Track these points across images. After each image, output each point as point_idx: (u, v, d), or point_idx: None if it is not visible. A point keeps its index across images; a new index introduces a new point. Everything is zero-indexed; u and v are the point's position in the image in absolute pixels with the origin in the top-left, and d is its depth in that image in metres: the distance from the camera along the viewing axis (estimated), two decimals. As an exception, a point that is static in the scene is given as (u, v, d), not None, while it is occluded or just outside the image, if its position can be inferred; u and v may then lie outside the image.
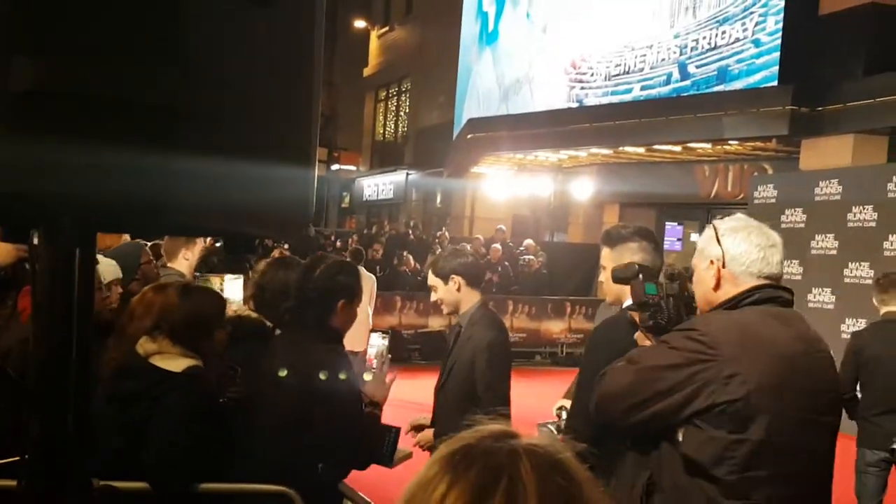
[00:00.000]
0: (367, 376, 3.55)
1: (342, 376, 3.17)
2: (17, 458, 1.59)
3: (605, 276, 3.26)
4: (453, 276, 4.04)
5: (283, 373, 3.15)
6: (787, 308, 2.56)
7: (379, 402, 3.58)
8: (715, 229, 2.64)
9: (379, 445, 3.50)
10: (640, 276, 2.77)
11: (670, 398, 2.39)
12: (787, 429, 2.38)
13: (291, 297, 3.42)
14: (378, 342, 3.89)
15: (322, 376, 3.10)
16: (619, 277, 2.88)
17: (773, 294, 2.53)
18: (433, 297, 4.18)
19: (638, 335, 2.82)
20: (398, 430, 3.80)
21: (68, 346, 1.09)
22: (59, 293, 1.08)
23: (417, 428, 4.25)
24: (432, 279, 4.13)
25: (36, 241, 1.69)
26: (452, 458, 0.99)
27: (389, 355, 3.84)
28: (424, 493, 0.97)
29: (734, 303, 2.51)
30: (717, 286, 2.57)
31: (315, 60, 1.23)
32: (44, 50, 0.96)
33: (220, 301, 3.38)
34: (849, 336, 9.97)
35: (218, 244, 6.00)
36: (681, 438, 2.44)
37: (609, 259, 3.28)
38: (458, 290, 4.04)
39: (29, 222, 1.05)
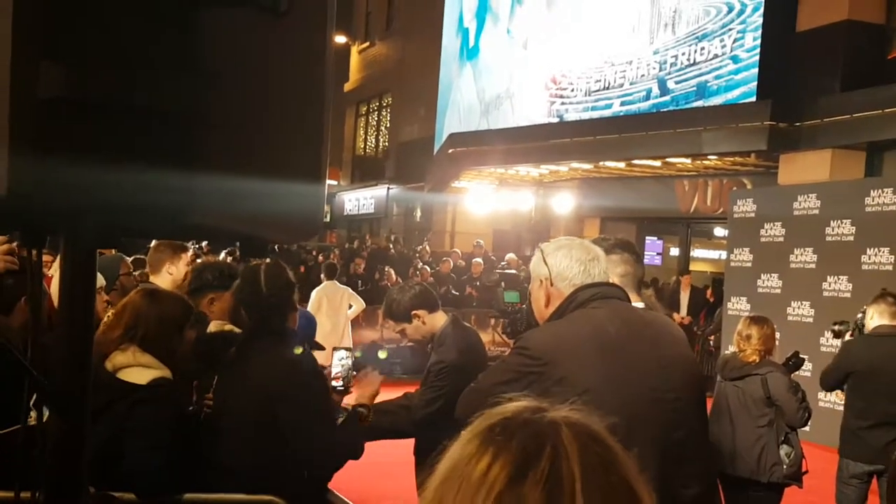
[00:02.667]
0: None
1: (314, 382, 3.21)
2: (15, 427, 1.58)
3: None
4: (414, 312, 4.01)
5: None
6: (613, 301, 2.72)
7: (367, 404, 3.61)
8: (541, 251, 2.84)
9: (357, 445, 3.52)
10: (503, 283, 3.02)
11: None
12: (628, 411, 2.50)
13: (251, 309, 3.44)
14: (342, 360, 3.87)
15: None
16: (485, 285, 3.11)
17: (592, 293, 2.70)
18: (405, 341, 4.17)
19: None
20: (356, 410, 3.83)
21: (89, 347, 1.11)
22: (81, 295, 1.10)
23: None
24: (396, 325, 4.08)
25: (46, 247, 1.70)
26: (492, 430, 1.00)
27: (354, 372, 3.83)
28: (465, 467, 0.97)
29: (560, 312, 2.71)
30: (547, 302, 2.77)
31: (327, 74, 1.26)
32: (71, 57, 0.98)
33: (188, 305, 3.41)
34: (827, 349, 10.13)
35: (205, 257, 5.99)
36: None
37: None
38: (424, 322, 4.01)
39: (55, 224, 1.07)
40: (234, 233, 1.19)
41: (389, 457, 3.98)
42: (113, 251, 5.57)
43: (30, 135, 0.95)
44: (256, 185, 1.12)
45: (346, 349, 3.95)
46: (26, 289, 3.06)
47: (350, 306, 12.46)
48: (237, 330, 3.76)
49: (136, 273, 5.23)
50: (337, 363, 3.83)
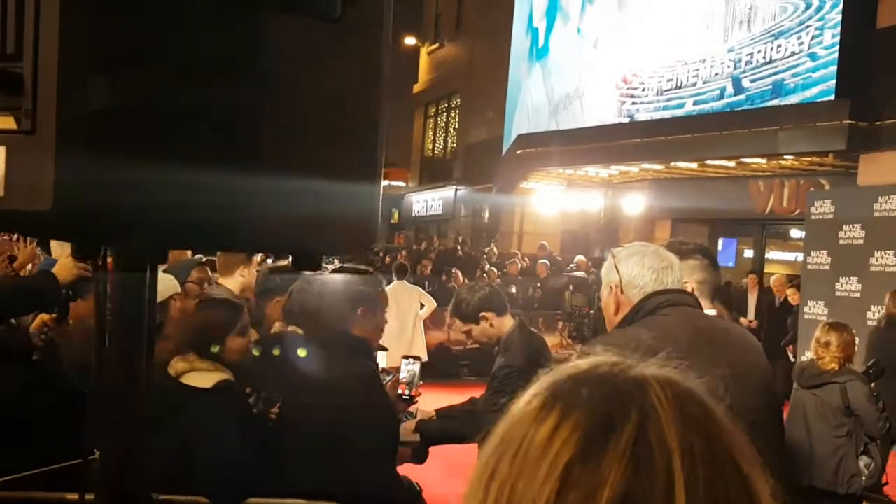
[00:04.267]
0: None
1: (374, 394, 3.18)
2: (77, 462, 1.59)
3: None
4: (482, 313, 3.97)
5: (302, 352, 3.15)
6: (684, 308, 2.62)
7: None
8: (614, 257, 2.74)
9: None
10: (571, 287, 2.94)
11: None
12: None
13: (313, 310, 3.43)
14: (408, 367, 3.85)
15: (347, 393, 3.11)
16: (552, 287, 3.01)
17: (662, 300, 2.59)
18: (470, 342, 4.12)
19: None
20: None
21: (140, 361, 1.10)
22: (131, 312, 1.08)
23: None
24: (463, 325, 4.03)
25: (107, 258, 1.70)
26: (562, 385, 0.78)
27: (420, 382, 3.81)
28: (528, 430, 0.75)
29: (629, 320, 2.61)
30: (616, 310, 2.68)
31: (382, 78, 1.23)
32: (121, 67, 0.96)
33: (233, 310, 3.40)
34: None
35: (275, 262, 6.03)
36: None
37: None
38: (492, 325, 3.98)
39: (102, 239, 1.06)
40: (283, 245, 1.16)
41: (455, 458, 3.95)
42: (189, 254, 5.63)
43: (76, 150, 0.93)
44: (309, 196, 1.09)
45: (415, 358, 3.95)
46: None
47: (421, 306, 12.44)
48: (300, 331, 3.76)
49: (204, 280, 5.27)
50: (404, 371, 3.83)
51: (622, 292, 2.66)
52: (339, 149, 1.16)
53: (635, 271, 2.66)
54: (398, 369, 4.03)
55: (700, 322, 2.63)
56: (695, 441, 0.73)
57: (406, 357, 3.88)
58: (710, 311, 3.11)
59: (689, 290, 3.10)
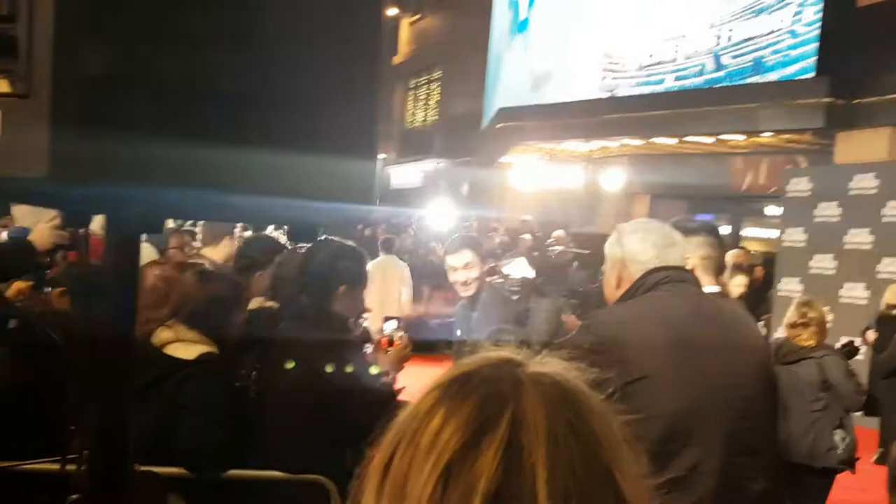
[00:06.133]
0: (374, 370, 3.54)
1: (348, 368, 3.15)
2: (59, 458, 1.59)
3: None
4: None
5: (290, 365, 3.14)
6: (684, 285, 2.64)
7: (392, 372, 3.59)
8: (618, 232, 2.77)
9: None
10: (575, 264, 3.05)
11: None
12: (692, 399, 2.45)
13: (294, 284, 3.41)
14: (390, 328, 3.86)
15: (329, 368, 3.09)
16: (555, 264, 3.11)
17: (662, 276, 2.61)
18: (466, 290, 4.23)
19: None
20: None
21: (131, 333, 1.09)
22: (125, 280, 1.07)
23: None
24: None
25: (92, 226, 1.69)
26: (449, 387, 0.84)
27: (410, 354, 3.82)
28: (418, 427, 0.82)
29: (629, 295, 2.64)
30: (618, 284, 2.70)
31: (379, 52, 1.22)
32: (118, 31, 0.95)
33: (237, 285, 3.40)
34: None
35: (248, 233, 6.00)
36: None
37: None
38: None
39: (93, 208, 1.04)
40: (283, 218, 1.15)
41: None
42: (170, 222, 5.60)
43: (72, 115, 0.91)
44: (306, 169, 1.08)
45: (397, 319, 3.95)
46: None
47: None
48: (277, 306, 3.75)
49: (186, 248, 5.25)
50: (387, 332, 3.83)
51: (624, 267, 2.68)
52: (337, 122, 1.15)
53: (638, 247, 2.66)
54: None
55: (699, 300, 2.66)
56: (564, 440, 0.79)
57: (389, 318, 3.85)
58: (714, 288, 3.13)
59: (691, 266, 3.13)
